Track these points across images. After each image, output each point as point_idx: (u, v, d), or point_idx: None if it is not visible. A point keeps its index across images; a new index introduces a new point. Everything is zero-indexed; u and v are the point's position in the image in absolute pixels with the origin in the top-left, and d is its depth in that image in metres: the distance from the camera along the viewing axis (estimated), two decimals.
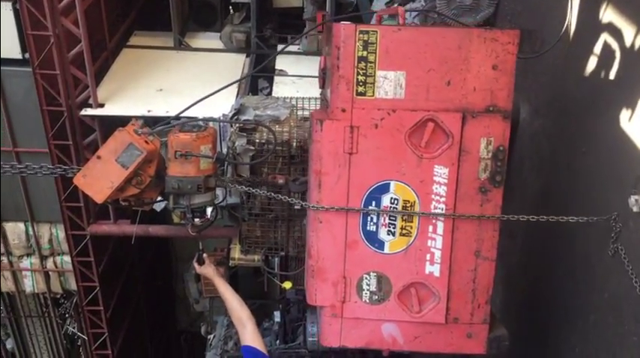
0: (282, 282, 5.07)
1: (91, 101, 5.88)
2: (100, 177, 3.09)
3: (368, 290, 3.22)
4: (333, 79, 2.92)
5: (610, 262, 3.07)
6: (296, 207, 3.33)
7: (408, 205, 3.06)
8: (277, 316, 6.20)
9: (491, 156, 2.98)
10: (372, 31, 2.84)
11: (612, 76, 3.13)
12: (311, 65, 6.94)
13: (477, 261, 3.13)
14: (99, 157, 3.10)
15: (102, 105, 5.94)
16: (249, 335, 3.11)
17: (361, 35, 2.83)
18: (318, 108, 4.58)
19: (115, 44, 7.01)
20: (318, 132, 3.00)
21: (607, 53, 3.20)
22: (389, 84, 2.90)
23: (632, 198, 2.79)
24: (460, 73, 2.88)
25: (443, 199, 3.03)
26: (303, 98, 4.71)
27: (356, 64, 2.87)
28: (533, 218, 3.08)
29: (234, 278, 6.93)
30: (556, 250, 3.62)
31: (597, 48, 3.30)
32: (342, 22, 2.97)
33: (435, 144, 2.98)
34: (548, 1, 3.93)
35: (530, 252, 4.02)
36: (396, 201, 3.06)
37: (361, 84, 2.90)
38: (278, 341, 5.96)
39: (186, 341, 10.51)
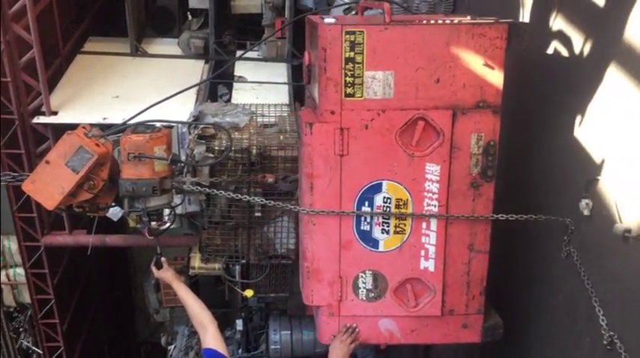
0: (243, 290, 5.03)
1: (43, 109, 5.73)
2: (50, 183, 2.98)
3: (364, 288, 3.26)
4: (320, 80, 2.91)
5: (564, 264, 3.14)
6: (292, 209, 3.29)
7: (401, 203, 3.09)
8: (239, 324, 6.16)
9: (482, 151, 3.02)
10: (359, 31, 2.81)
11: (563, 81, 3.21)
12: (270, 71, 6.94)
13: (470, 254, 3.19)
14: (47, 162, 2.99)
15: (55, 113, 5.79)
16: (211, 338, 3.12)
17: (347, 36, 2.81)
18: (280, 114, 4.58)
19: (68, 50, 6.84)
20: (308, 136, 3.00)
21: (558, 59, 3.28)
22: (377, 84, 2.89)
23: (583, 202, 2.86)
24: (449, 70, 2.89)
25: (435, 196, 3.07)
26: (262, 105, 4.70)
27: (343, 66, 2.85)
28: (512, 217, 3.12)
29: (195, 287, 6.83)
30: (513, 252, 3.69)
31: (549, 53, 3.39)
32: (325, 21, 2.98)
33: (425, 142, 3.00)
34: (503, 9, 4.02)
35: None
36: (389, 200, 3.08)
37: (349, 85, 2.89)
38: (241, 350, 5.91)
39: (146, 352, 10.33)
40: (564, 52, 3.23)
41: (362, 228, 3.15)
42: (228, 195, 3.62)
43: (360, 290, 3.27)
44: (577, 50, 3.09)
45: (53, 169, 2.98)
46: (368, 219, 3.13)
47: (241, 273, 4.97)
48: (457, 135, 2.98)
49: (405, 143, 2.99)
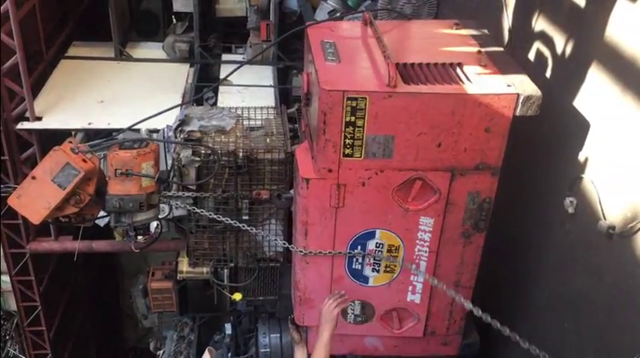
0: (232, 294, 5.02)
1: (27, 114, 5.68)
2: (36, 198, 2.98)
3: (352, 313, 3.36)
4: (319, 140, 2.82)
5: (549, 262, 3.17)
6: (288, 248, 3.33)
7: (393, 248, 3.11)
8: (228, 328, 6.12)
9: (477, 207, 3.00)
10: (361, 98, 2.68)
11: (547, 81, 3.24)
12: (256, 75, 6.92)
13: (456, 289, 3.22)
14: (34, 178, 2.98)
15: (39, 119, 5.74)
16: None
17: (349, 102, 2.68)
18: (266, 117, 4.57)
19: (52, 55, 6.79)
20: (304, 189, 2.97)
21: (541, 59, 3.32)
22: (377, 146, 2.81)
23: (567, 200, 2.89)
24: (452, 136, 2.79)
25: (427, 244, 3.10)
26: (249, 108, 4.68)
27: (343, 129, 2.75)
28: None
29: (183, 291, 6.81)
30: (501, 251, 3.71)
31: (532, 54, 3.42)
32: (325, 64, 2.86)
33: (421, 198, 2.98)
34: (486, 10, 4.05)
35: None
36: (381, 246, 3.11)
37: (349, 146, 2.81)
38: (230, 354, 5.88)
39: None
40: (546, 52, 3.26)
41: (353, 266, 3.19)
42: (209, 214, 3.60)
43: (348, 315, 3.36)
44: (559, 50, 3.13)
45: (39, 185, 2.97)
46: (360, 260, 3.16)
47: (230, 277, 4.97)
48: (454, 193, 2.95)
49: (400, 198, 2.97)
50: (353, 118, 2.72)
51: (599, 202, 2.70)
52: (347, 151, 2.82)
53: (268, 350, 5.71)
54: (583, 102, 2.90)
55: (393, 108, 2.71)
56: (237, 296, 4.96)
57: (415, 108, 2.72)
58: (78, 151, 3.01)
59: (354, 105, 2.69)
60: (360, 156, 2.83)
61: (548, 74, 3.24)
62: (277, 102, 6.21)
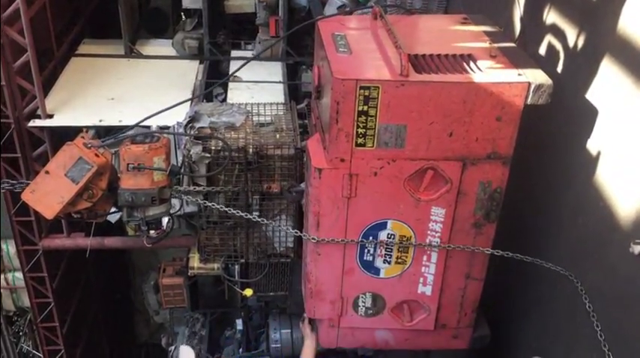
0: (242, 290, 5.03)
1: (39, 112, 5.72)
2: (50, 193, 3.01)
3: (363, 306, 3.35)
4: (331, 130, 2.83)
5: (561, 255, 3.15)
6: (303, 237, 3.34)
7: (405, 239, 3.11)
8: (239, 324, 6.14)
9: (488, 197, 3.00)
10: (374, 86, 2.69)
11: (558, 74, 3.22)
12: (265, 71, 6.93)
13: (466, 281, 3.24)
14: (47, 172, 3.01)
15: (51, 116, 5.78)
16: None
17: (362, 91, 2.69)
18: (276, 113, 4.58)
19: (63, 53, 6.83)
20: (316, 179, 2.97)
21: (552, 53, 3.29)
22: (389, 136, 2.82)
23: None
24: (463, 125, 2.80)
25: (438, 234, 3.10)
26: (258, 104, 4.69)
27: (356, 118, 2.76)
28: (508, 254, 3.12)
29: (194, 287, 6.84)
30: (512, 247, 3.70)
31: (543, 48, 3.40)
32: (337, 55, 2.86)
33: (433, 188, 2.97)
34: (496, 5, 4.02)
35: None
36: (392, 236, 3.11)
37: (361, 136, 2.81)
38: (241, 350, 5.90)
39: (146, 354, 10.30)
40: (558, 46, 3.24)
41: (365, 258, 3.19)
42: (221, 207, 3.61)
43: (359, 308, 3.36)
44: (571, 43, 3.10)
45: (53, 179, 3.01)
46: (371, 251, 3.16)
47: (240, 273, 4.98)
48: (465, 182, 2.95)
49: (412, 188, 2.97)
50: (365, 107, 2.73)
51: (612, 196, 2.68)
52: (359, 141, 2.82)
53: (279, 345, 5.72)
54: (594, 94, 2.88)
55: (405, 97, 2.72)
56: (248, 292, 4.97)
57: (427, 97, 2.72)
58: (90, 146, 3.03)
59: (366, 94, 2.70)
60: (373, 146, 2.84)
61: (559, 68, 3.21)
62: (287, 98, 6.21)
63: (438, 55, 2.91)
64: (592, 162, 2.87)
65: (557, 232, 3.20)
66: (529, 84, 2.73)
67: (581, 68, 2.98)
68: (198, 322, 6.73)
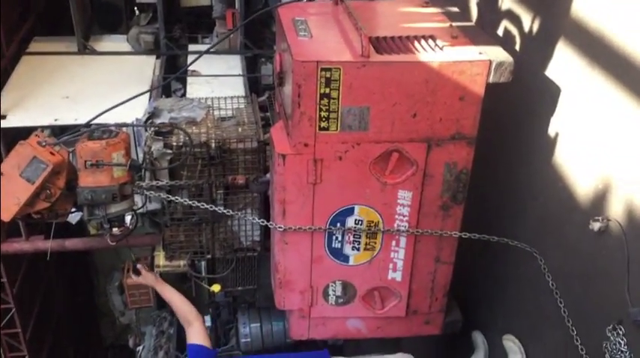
0: (210, 286, 5.00)
1: None
2: (5, 194, 2.92)
3: (334, 295, 3.33)
4: (294, 114, 2.80)
5: (525, 235, 3.22)
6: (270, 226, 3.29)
7: (372, 225, 3.10)
8: (208, 320, 6.10)
9: (454, 179, 3.01)
10: (335, 68, 2.67)
11: (516, 54, 3.28)
12: (225, 64, 6.85)
13: (436, 265, 3.25)
14: (1, 174, 2.92)
15: (3, 117, 5.60)
16: (195, 333, 3.25)
17: (323, 72, 2.66)
18: (237, 107, 4.54)
19: (13, 51, 6.61)
20: (280, 166, 2.93)
21: (509, 37, 3.35)
22: (353, 119, 2.79)
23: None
24: (426, 106, 2.79)
25: (406, 218, 3.09)
26: (219, 98, 4.64)
27: (318, 101, 2.73)
28: (475, 236, 3.16)
29: None
30: (476, 228, 3.76)
31: (499, 32, 3.45)
32: (297, 39, 2.83)
33: (399, 171, 2.97)
34: None
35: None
36: (360, 222, 3.09)
37: (324, 119, 2.78)
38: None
39: (113, 356, 10.16)
40: (514, 30, 3.29)
41: (333, 245, 3.17)
42: (185, 200, 3.57)
43: (329, 297, 3.35)
44: (526, 27, 3.16)
45: (7, 181, 2.91)
46: (339, 238, 3.15)
47: (207, 269, 4.94)
48: (431, 164, 2.95)
49: (378, 172, 2.96)
50: (327, 90, 2.72)
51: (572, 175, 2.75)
52: (322, 124, 2.80)
53: (249, 339, 5.72)
54: (552, 75, 2.94)
55: (367, 78, 2.71)
56: (216, 288, 4.94)
57: (389, 77, 2.72)
58: (45, 144, 2.95)
59: (328, 76, 2.68)
60: (336, 129, 2.82)
61: (517, 51, 3.27)
62: (247, 91, 6.16)
63: (400, 37, 2.92)
64: (550, 142, 2.94)
65: (520, 212, 3.28)
66: (490, 61, 2.76)
67: (537, 50, 3.04)
68: (166, 321, 6.66)
